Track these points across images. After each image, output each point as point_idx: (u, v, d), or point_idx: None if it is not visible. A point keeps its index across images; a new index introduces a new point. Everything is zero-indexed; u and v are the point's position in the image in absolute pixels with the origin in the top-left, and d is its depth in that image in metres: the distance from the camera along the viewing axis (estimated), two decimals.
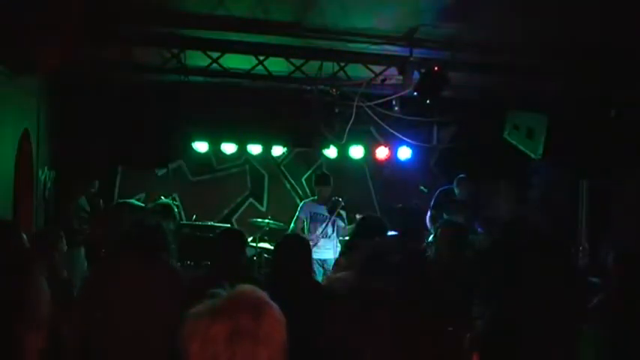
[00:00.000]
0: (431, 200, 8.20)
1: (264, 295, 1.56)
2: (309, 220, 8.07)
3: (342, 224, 8.04)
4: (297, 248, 4.38)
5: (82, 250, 6.95)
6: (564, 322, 1.63)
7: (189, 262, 7.23)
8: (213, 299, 1.52)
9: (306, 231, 8.04)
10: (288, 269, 4.22)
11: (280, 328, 1.52)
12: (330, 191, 8.11)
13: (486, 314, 1.66)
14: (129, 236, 4.02)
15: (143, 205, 7.63)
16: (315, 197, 8.34)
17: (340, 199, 7.98)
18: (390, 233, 7.12)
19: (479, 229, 7.42)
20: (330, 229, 8.01)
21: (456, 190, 7.99)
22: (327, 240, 7.97)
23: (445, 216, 7.74)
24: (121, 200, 8.04)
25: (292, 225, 8.21)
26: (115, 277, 3.86)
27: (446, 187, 8.20)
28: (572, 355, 1.62)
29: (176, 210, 7.48)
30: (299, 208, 8.24)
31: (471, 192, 7.92)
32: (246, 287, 1.58)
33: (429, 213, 8.07)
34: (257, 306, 1.52)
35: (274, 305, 1.55)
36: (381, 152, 9.11)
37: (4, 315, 2.10)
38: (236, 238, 4.51)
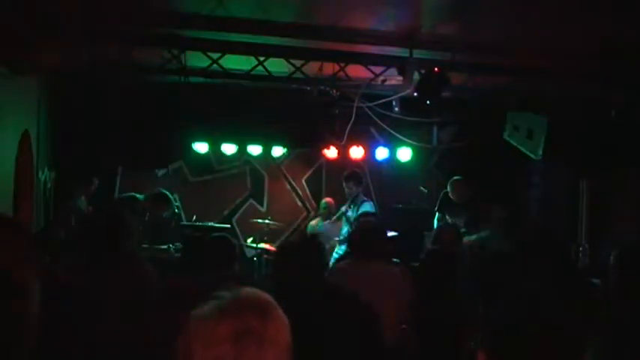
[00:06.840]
0: (436, 201, 8.18)
1: (269, 296, 1.56)
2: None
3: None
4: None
5: None
6: (568, 322, 1.63)
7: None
8: (218, 300, 1.51)
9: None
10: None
11: (285, 329, 1.51)
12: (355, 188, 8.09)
13: (493, 313, 1.65)
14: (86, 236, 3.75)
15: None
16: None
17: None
18: (390, 234, 7.15)
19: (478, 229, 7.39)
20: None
21: (450, 193, 7.85)
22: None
23: (448, 217, 7.70)
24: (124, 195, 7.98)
25: None
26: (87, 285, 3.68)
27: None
28: (576, 355, 1.61)
29: (174, 201, 7.44)
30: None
31: (463, 193, 7.76)
32: (251, 289, 1.57)
33: (436, 215, 8.06)
34: (263, 306, 1.50)
35: (279, 307, 1.54)
36: (381, 152, 9.11)
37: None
38: (223, 249, 4.39)
